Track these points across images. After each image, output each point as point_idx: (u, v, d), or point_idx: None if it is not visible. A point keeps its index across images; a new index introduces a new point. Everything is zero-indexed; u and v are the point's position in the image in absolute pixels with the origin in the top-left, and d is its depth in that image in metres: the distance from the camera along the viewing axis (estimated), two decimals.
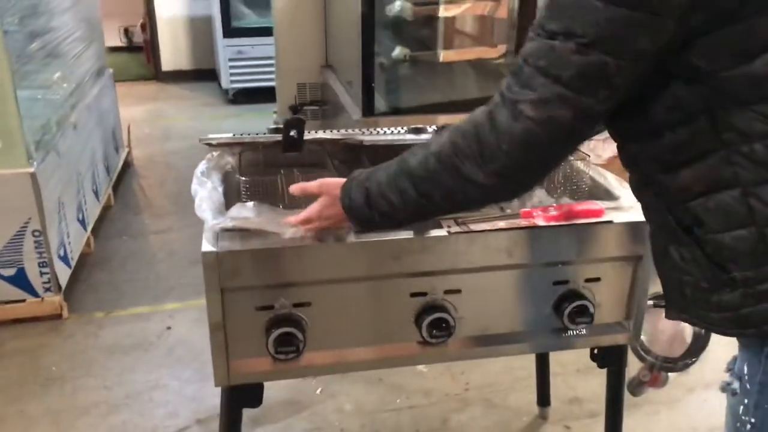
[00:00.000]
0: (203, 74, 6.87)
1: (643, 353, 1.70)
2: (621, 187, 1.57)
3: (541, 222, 1.42)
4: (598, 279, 1.50)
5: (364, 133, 1.52)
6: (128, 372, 2.47)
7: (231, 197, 1.51)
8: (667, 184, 0.98)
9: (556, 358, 2.29)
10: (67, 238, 2.93)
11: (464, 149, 1.03)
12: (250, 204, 1.38)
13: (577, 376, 2.47)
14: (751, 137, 0.89)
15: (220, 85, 6.54)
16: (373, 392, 2.38)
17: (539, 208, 1.46)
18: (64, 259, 2.88)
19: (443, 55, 3.35)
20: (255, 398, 1.47)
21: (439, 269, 1.42)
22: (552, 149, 1.00)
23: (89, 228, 3.33)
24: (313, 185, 1.29)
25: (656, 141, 0.97)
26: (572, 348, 1.59)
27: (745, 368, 1.03)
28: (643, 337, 1.68)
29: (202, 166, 1.60)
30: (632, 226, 1.46)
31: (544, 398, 2.28)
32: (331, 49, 4.26)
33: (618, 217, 1.46)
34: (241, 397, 1.46)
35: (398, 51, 3.23)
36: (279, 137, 1.46)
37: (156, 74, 6.97)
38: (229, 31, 5.88)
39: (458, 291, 1.44)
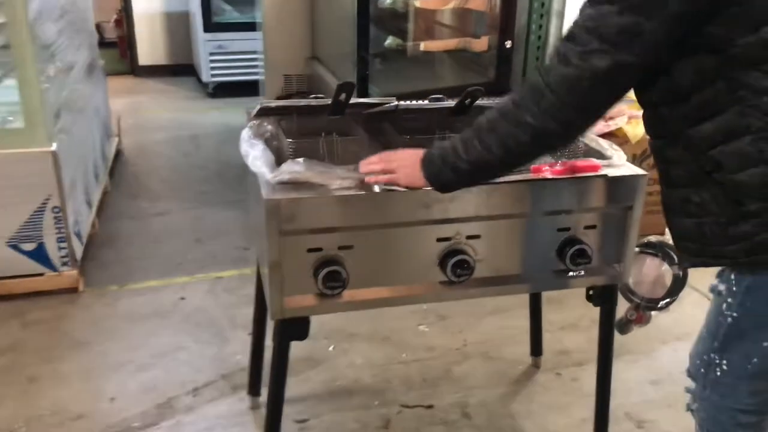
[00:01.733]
0: (181, 69, 6.97)
1: (629, 294, 1.97)
2: (612, 149, 1.83)
3: (548, 175, 1.67)
4: (594, 226, 1.75)
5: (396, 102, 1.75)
6: (150, 336, 2.64)
7: (276, 157, 1.71)
8: (694, 136, 1.22)
9: (544, 317, 2.54)
10: (79, 216, 3.07)
11: (520, 98, 1.28)
12: (300, 160, 1.59)
13: (563, 332, 2.74)
14: (760, 93, 1.14)
15: (198, 79, 6.66)
16: (381, 349, 2.60)
17: (546, 164, 1.70)
18: (78, 235, 3.02)
19: (431, 45, 3.59)
20: (302, 331, 1.67)
21: (462, 217, 1.65)
22: (593, 95, 1.22)
23: (94, 209, 3.47)
24: (392, 157, 1.52)
25: (685, 103, 1.21)
26: (572, 287, 1.83)
27: (733, 276, 1.28)
28: (629, 281, 1.95)
29: (245, 132, 1.80)
30: (623, 180, 1.72)
31: (537, 348, 2.53)
32: (319, 41, 4.46)
33: (611, 172, 1.72)
34: (291, 329, 1.66)
35: (390, 40, 3.46)
36: (328, 101, 1.67)
37: (132, 69, 7.05)
38: (210, 26, 6.02)
39: (478, 236, 1.68)
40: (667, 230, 1.96)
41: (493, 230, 1.69)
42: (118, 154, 4.56)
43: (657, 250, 1.94)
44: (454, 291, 1.72)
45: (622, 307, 2.01)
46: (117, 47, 7.24)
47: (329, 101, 1.68)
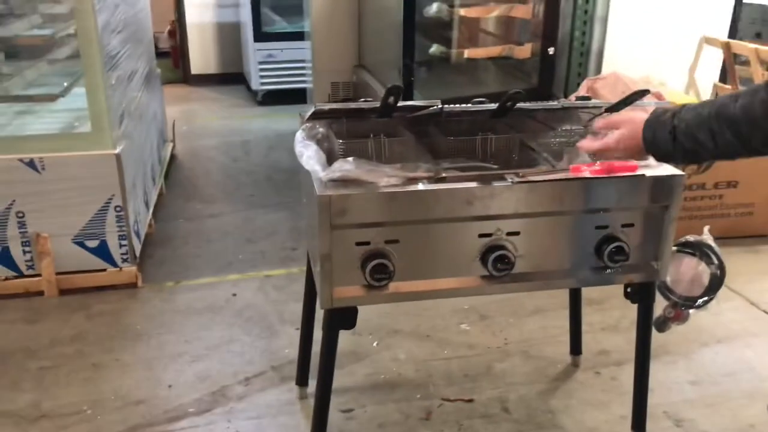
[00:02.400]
0: (230, 77, 7.21)
1: (667, 293, 2.01)
2: None
3: (587, 174, 1.74)
4: (632, 224, 1.81)
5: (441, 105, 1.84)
6: (204, 330, 2.78)
7: (328, 157, 1.82)
8: None
9: (584, 319, 2.59)
10: (138, 216, 3.25)
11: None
12: (350, 159, 1.70)
13: (603, 333, 2.78)
14: None
15: (247, 87, 6.89)
16: (423, 346, 2.68)
17: (586, 163, 1.77)
18: (137, 234, 3.20)
19: (474, 53, 3.68)
20: (350, 321, 1.77)
21: (502, 214, 1.73)
22: None
23: (151, 210, 3.65)
24: (617, 118, 1.54)
25: None
26: (610, 283, 1.88)
27: None
28: (667, 279, 2.00)
29: (299, 134, 1.91)
30: (660, 180, 1.78)
31: (576, 347, 2.58)
32: (365, 49, 4.59)
33: (649, 172, 1.78)
34: (339, 319, 1.77)
35: (435, 48, 3.56)
36: (377, 104, 1.78)
37: (185, 78, 7.32)
38: (260, 36, 6.23)
39: (518, 233, 1.76)
40: (705, 230, 2.02)
41: (533, 227, 1.76)
42: (173, 158, 4.77)
43: (695, 249, 1.98)
44: (494, 285, 1.80)
45: (660, 305, 2.06)
46: (170, 57, 7.54)
47: (378, 104, 1.78)
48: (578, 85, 3.93)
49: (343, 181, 1.68)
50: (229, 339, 2.72)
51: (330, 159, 1.77)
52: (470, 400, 2.37)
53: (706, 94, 4.08)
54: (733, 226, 3.56)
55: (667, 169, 1.81)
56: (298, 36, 6.11)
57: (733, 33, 3.98)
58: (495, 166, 1.76)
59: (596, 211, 1.79)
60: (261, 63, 6.32)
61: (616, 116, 1.56)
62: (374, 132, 1.94)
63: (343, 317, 1.77)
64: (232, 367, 2.54)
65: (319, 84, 4.83)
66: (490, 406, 2.35)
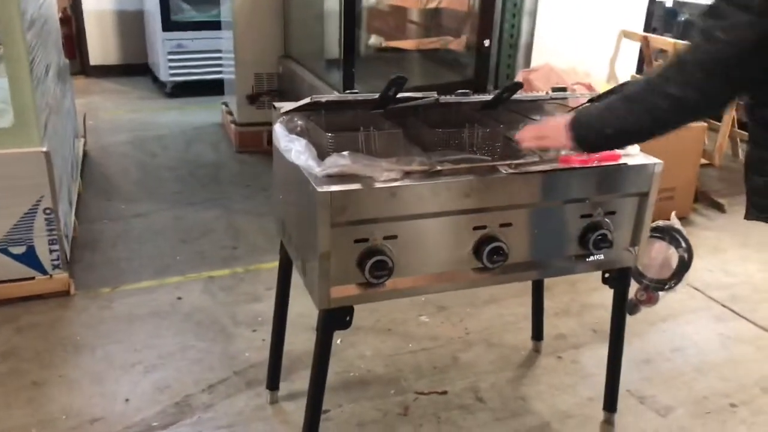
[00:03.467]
0: (134, 68, 6.82)
1: (639, 277, 2.09)
2: None
3: (575, 164, 1.77)
4: (614, 212, 1.87)
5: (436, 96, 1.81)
6: (153, 337, 2.61)
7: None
8: None
9: (530, 305, 2.64)
10: (67, 218, 3.00)
11: (666, 72, 1.33)
12: (345, 154, 1.63)
13: (557, 318, 2.86)
14: None
15: (154, 79, 6.54)
16: (387, 341, 2.65)
17: (573, 154, 1.80)
18: (67, 238, 2.95)
19: (412, 44, 3.67)
20: (346, 321, 1.71)
21: (497, 206, 1.73)
22: (741, 69, 1.24)
23: (73, 211, 3.38)
24: (541, 126, 1.67)
25: None
26: (593, 270, 1.94)
27: None
28: (638, 264, 2.07)
29: (279, 128, 1.82)
30: (641, 168, 1.84)
31: (538, 333, 2.64)
32: (293, 39, 4.47)
33: (630, 161, 1.83)
34: (336, 319, 1.70)
35: (374, 39, 3.52)
36: (374, 96, 1.71)
37: (83, 69, 6.84)
38: (169, 25, 5.92)
39: (510, 224, 1.77)
40: (672, 215, 2.11)
41: (524, 218, 1.77)
42: (85, 155, 4.45)
43: (664, 234, 2.07)
44: (487, 277, 1.80)
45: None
46: (64, 47, 7.02)
47: (374, 96, 1.72)
48: (508, 76, 4.02)
49: (339, 177, 1.62)
50: (183, 345, 2.57)
51: (318, 154, 1.70)
52: (444, 392, 2.37)
53: None
54: (655, 211, 3.77)
55: (645, 158, 1.87)
56: (210, 25, 5.88)
57: (648, 27, 4.20)
58: (488, 158, 1.75)
59: (582, 200, 1.83)
60: (170, 53, 6.02)
61: (540, 125, 1.70)
62: (355, 124, 1.88)
63: (339, 317, 1.71)
64: (192, 375, 2.40)
65: (241, 75, 4.67)
66: (464, 396, 2.35)
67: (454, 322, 2.80)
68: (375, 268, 1.63)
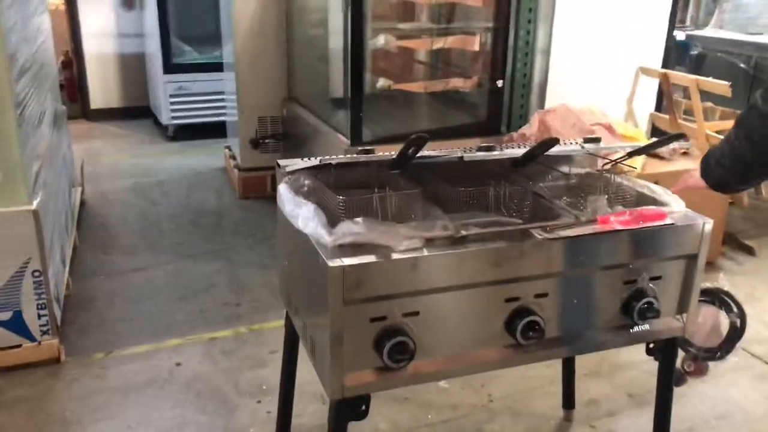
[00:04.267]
0: (135, 111, 6.70)
1: (685, 345, 1.88)
2: (666, 195, 1.75)
3: (618, 226, 1.57)
4: (660, 277, 1.66)
5: (462, 151, 1.63)
6: (150, 410, 2.39)
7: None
8: None
9: (557, 366, 2.42)
10: (58, 278, 2.81)
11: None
12: (359, 220, 1.45)
13: (587, 380, 2.63)
14: None
15: (156, 122, 6.42)
16: (404, 411, 2.43)
17: (613, 213, 1.60)
18: (58, 300, 2.76)
19: (423, 86, 3.51)
20: (362, 411, 1.50)
21: (531, 275, 1.53)
22: None
23: (67, 268, 3.19)
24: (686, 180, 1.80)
25: None
26: (638, 342, 1.72)
27: None
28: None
29: (284, 189, 1.64)
30: (689, 228, 1.64)
31: (569, 401, 2.42)
32: (297, 82, 4.33)
33: (678, 221, 1.64)
34: (350, 409, 1.49)
35: (382, 82, 3.36)
36: (391, 156, 1.53)
37: (84, 112, 6.73)
38: (170, 67, 5.81)
39: (546, 294, 1.56)
40: (721, 276, 1.91)
41: (561, 287, 1.57)
42: (83, 204, 4.28)
43: (713, 297, 1.87)
44: (522, 355, 1.59)
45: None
46: (64, 90, 6.92)
47: (390, 156, 1.54)
48: (521, 117, 3.85)
49: (352, 246, 1.42)
50: (182, 420, 2.35)
51: (328, 218, 1.51)
52: None
53: (643, 124, 4.12)
54: None
55: (692, 216, 1.68)
56: (212, 67, 5.76)
57: (666, 64, 4.04)
58: (518, 220, 1.56)
59: (624, 265, 1.63)
60: (172, 96, 5.89)
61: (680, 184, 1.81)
62: (367, 182, 1.70)
63: (353, 407, 1.50)
64: None
65: (245, 118, 4.52)
66: None
67: (476, 387, 2.57)
68: (395, 350, 1.43)
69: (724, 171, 1.67)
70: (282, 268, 1.82)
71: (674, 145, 3.38)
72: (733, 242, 3.88)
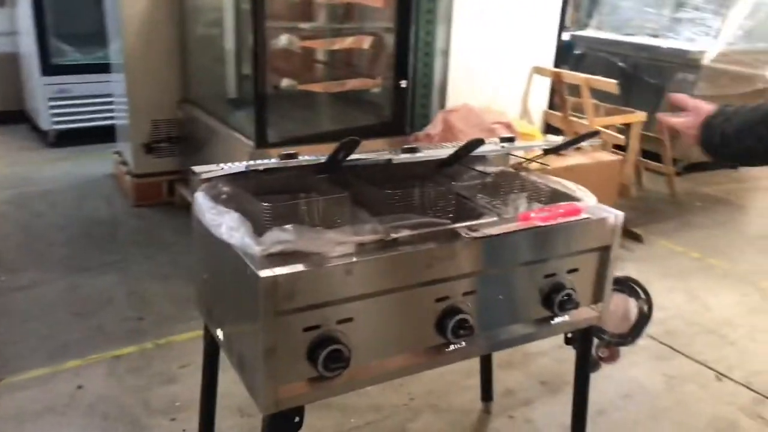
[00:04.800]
0: (8, 116, 6.20)
1: (599, 333, 1.96)
2: (578, 190, 1.82)
3: (538, 222, 1.62)
4: (576, 269, 1.73)
5: (392, 152, 1.60)
6: None
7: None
8: None
9: (474, 360, 2.47)
10: None
11: None
12: (289, 227, 1.40)
13: (501, 371, 2.70)
14: None
15: (33, 127, 5.97)
16: (326, 417, 2.39)
17: (533, 210, 1.65)
18: None
19: (326, 87, 3.47)
20: (296, 423, 1.46)
21: (459, 273, 1.54)
22: None
23: None
24: (690, 102, 1.55)
25: None
26: (559, 333, 1.79)
27: None
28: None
29: (201, 197, 1.56)
30: (602, 221, 1.72)
31: (487, 393, 2.47)
32: (194, 83, 4.17)
33: (593, 216, 1.70)
34: (284, 422, 1.44)
35: (286, 82, 3.30)
36: (322, 159, 1.48)
37: None
38: (49, 69, 5.42)
39: (473, 292, 1.58)
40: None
41: (487, 284, 1.60)
42: None
43: (622, 285, 1.96)
44: (454, 353, 1.60)
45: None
46: None
47: (319, 159, 1.50)
48: (424, 117, 3.90)
49: (282, 255, 1.37)
50: None
51: (252, 226, 1.45)
52: None
53: (538, 120, 4.30)
54: None
55: (605, 210, 1.75)
56: (97, 68, 5.43)
57: (556, 63, 4.23)
58: (446, 221, 1.56)
59: (544, 260, 1.68)
60: (52, 99, 5.50)
61: (689, 99, 1.57)
62: (289, 187, 1.65)
63: (287, 420, 1.45)
64: None
65: (136, 122, 4.29)
66: None
67: (396, 387, 2.58)
68: (330, 359, 1.39)
69: (728, 156, 1.48)
70: (200, 280, 1.73)
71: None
72: (623, 232, 4.12)
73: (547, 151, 1.77)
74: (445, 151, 1.64)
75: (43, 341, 2.80)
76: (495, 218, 1.63)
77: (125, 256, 3.65)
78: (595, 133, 1.76)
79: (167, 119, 4.33)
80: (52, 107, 5.51)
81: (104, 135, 5.32)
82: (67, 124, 5.60)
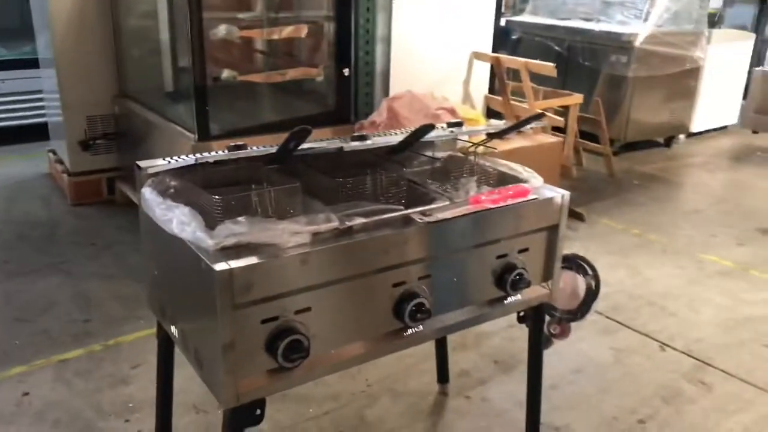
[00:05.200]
0: None
1: (550, 310, 2.02)
2: (525, 172, 1.86)
3: (489, 205, 1.65)
4: (527, 249, 1.77)
5: (342, 140, 1.60)
6: None
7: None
8: None
9: (429, 343, 2.50)
10: None
11: None
12: (241, 219, 1.38)
13: (455, 353, 2.74)
14: None
15: None
16: (284, 408, 2.38)
17: (483, 193, 1.68)
18: None
19: (268, 77, 3.43)
20: (257, 415, 1.45)
21: (414, 258, 1.56)
22: None
23: None
24: None
25: None
26: (512, 312, 1.83)
27: None
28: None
29: (148, 192, 1.53)
30: (550, 201, 1.76)
31: (443, 375, 2.51)
32: (130, 77, 4.05)
33: (540, 195, 1.75)
34: (245, 415, 1.43)
35: (227, 73, 3.24)
36: (272, 150, 1.46)
37: None
38: None
39: (428, 276, 1.60)
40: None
41: (441, 268, 1.62)
42: None
43: (570, 263, 2.02)
44: (411, 337, 1.61)
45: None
46: None
47: (269, 150, 1.48)
48: (367, 105, 3.91)
49: (236, 248, 1.36)
50: None
51: (204, 219, 1.43)
52: None
53: (479, 105, 4.35)
54: None
55: (552, 190, 1.80)
56: (24, 63, 5.21)
57: (495, 48, 4.29)
58: (400, 207, 1.57)
59: (495, 241, 1.71)
60: None
61: None
62: (239, 179, 1.63)
63: (248, 413, 1.44)
64: None
65: (70, 119, 4.13)
66: None
67: (353, 374, 2.59)
68: (289, 350, 1.39)
69: None
70: (151, 278, 1.70)
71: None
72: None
73: (491, 135, 1.80)
74: (394, 138, 1.64)
75: None
76: (447, 203, 1.65)
77: (66, 257, 3.53)
78: (540, 116, 1.80)
79: (103, 114, 4.20)
80: None
81: (37, 133, 5.12)
82: None
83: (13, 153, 5.27)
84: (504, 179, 1.86)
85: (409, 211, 1.57)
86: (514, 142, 3.68)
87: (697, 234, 4.11)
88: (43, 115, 5.00)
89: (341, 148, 1.54)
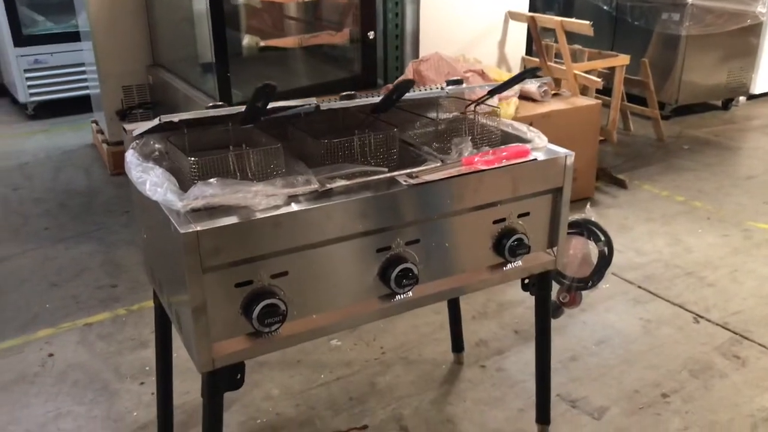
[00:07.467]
0: None
1: (559, 277, 1.93)
2: (530, 132, 1.76)
3: (482, 166, 1.56)
4: (527, 213, 1.68)
5: (316, 102, 1.54)
6: (19, 408, 2.22)
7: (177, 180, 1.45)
8: None
9: (446, 312, 2.45)
10: None
11: None
12: (213, 181, 1.35)
13: (474, 322, 2.68)
14: None
15: (13, 100, 5.90)
16: (296, 374, 2.38)
17: (477, 154, 1.59)
18: None
19: (290, 42, 3.38)
20: (236, 380, 1.44)
21: (400, 222, 1.50)
22: None
23: None
24: None
25: None
26: (512, 279, 1.75)
27: None
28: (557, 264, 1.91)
29: (131, 155, 1.51)
30: (552, 162, 1.66)
31: (458, 344, 2.45)
32: (161, 46, 4.09)
33: (540, 156, 1.65)
34: (224, 380, 1.42)
35: (248, 39, 3.21)
36: (240, 109, 1.42)
37: None
38: (21, 40, 5.32)
39: (417, 241, 1.54)
40: (587, 207, 1.96)
41: (431, 232, 1.55)
42: None
43: (581, 228, 1.92)
44: (399, 304, 1.56)
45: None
46: None
47: (238, 109, 1.44)
48: (397, 69, 3.81)
49: (207, 210, 1.33)
50: (56, 413, 2.19)
51: (181, 182, 1.41)
52: (364, 427, 2.13)
53: (516, 68, 4.20)
54: None
55: (554, 150, 1.70)
56: (71, 37, 5.33)
57: (533, 8, 4.11)
58: (384, 169, 1.51)
59: (492, 204, 1.63)
60: (27, 71, 5.42)
61: None
62: (225, 142, 1.60)
63: (227, 377, 1.43)
64: None
65: (107, 90, 4.22)
66: (386, 429, 2.12)
67: (368, 341, 2.57)
68: (265, 314, 1.36)
69: None
70: (143, 242, 1.70)
71: (543, 86, 3.47)
72: (606, 177, 4.06)
73: (491, 92, 1.70)
74: (377, 99, 1.58)
75: (16, 313, 2.79)
76: (438, 164, 1.58)
77: (102, 225, 3.62)
78: (535, 70, 1.69)
79: (138, 84, 4.26)
80: (28, 79, 5.43)
81: (83, 105, 5.26)
82: (44, 96, 5.54)
83: (63, 124, 5.43)
84: (506, 140, 1.77)
85: (395, 173, 1.51)
86: (549, 105, 3.53)
87: (747, 201, 3.87)
88: (85, 87, 5.11)
89: (318, 106, 1.48)
